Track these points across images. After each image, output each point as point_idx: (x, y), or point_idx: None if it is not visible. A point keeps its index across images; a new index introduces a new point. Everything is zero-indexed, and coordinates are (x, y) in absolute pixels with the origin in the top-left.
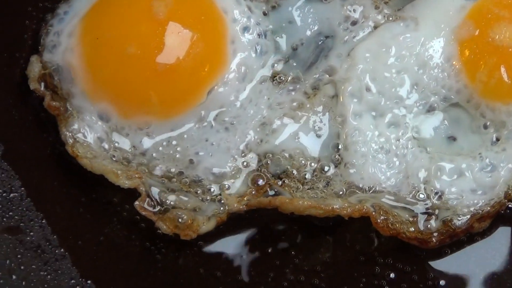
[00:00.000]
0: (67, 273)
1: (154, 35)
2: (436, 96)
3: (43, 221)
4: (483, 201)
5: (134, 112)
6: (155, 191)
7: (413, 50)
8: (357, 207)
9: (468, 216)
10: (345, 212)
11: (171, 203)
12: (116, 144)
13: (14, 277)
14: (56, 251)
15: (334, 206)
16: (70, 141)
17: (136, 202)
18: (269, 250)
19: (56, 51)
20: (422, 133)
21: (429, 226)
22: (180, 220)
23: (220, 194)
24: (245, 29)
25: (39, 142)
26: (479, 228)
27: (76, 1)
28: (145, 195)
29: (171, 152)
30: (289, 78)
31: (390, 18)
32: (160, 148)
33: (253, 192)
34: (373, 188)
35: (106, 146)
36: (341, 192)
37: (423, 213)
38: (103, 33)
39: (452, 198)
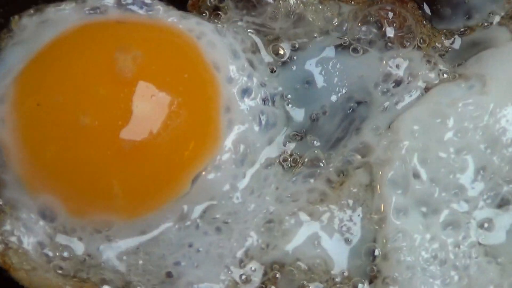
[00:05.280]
0: None
1: (117, 101)
2: (511, 185)
3: None
4: None
5: (89, 208)
6: None
7: (479, 120)
8: None
9: None
10: None
11: None
12: (64, 251)
13: None
14: None
15: None
16: (1, 247)
17: None
18: None
19: None
20: (491, 237)
21: None
22: None
23: None
24: (245, 92)
25: None
26: None
27: (9, 53)
28: None
29: (141, 262)
30: (306, 160)
31: (447, 77)
32: (126, 257)
33: None
34: None
35: (50, 254)
36: None
37: None
38: (46, 98)
39: None
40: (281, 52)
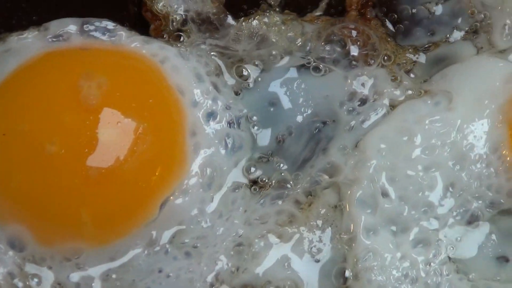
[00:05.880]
0: None
1: (83, 128)
2: (480, 201)
3: None
4: None
5: (58, 236)
6: None
7: (446, 137)
8: None
9: None
10: None
11: None
12: (34, 280)
13: None
14: None
15: None
16: None
17: None
18: None
19: None
20: (461, 254)
21: None
22: None
23: None
24: (210, 115)
25: None
26: None
27: None
28: None
29: None
30: (273, 182)
31: (413, 94)
32: (96, 285)
33: None
34: None
35: (20, 285)
36: None
37: None
38: (12, 127)
39: None
40: (245, 74)
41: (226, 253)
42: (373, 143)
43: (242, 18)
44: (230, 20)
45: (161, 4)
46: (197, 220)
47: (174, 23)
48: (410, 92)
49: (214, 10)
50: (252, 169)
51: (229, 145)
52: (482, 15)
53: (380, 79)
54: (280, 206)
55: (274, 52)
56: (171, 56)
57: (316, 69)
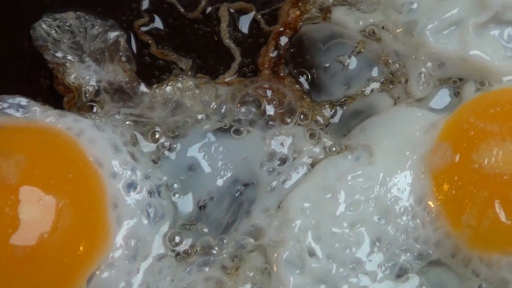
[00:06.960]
0: None
1: (4, 208)
2: (408, 254)
3: None
4: None
5: None
6: None
7: (370, 192)
8: None
9: None
10: None
11: None
12: None
13: None
14: None
15: None
16: None
17: None
18: None
19: None
20: None
21: None
22: None
23: None
24: (130, 186)
25: None
26: None
27: None
28: None
29: None
30: (198, 248)
31: (333, 150)
32: None
33: None
34: None
35: None
36: None
37: None
38: None
39: None
40: (162, 141)
41: None
42: (296, 203)
43: (155, 85)
44: (143, 87)
45: (72, 76)
46: None
47: (87, 95)
48: (329, 148)
49: (127, 79)
50: (177, 238)
51: (151, 215)
52: (397, 65)
53: (298, 137)
54: (207, 273)
55: (189, 118)
56: (87, 129)
57: (234, 131)
